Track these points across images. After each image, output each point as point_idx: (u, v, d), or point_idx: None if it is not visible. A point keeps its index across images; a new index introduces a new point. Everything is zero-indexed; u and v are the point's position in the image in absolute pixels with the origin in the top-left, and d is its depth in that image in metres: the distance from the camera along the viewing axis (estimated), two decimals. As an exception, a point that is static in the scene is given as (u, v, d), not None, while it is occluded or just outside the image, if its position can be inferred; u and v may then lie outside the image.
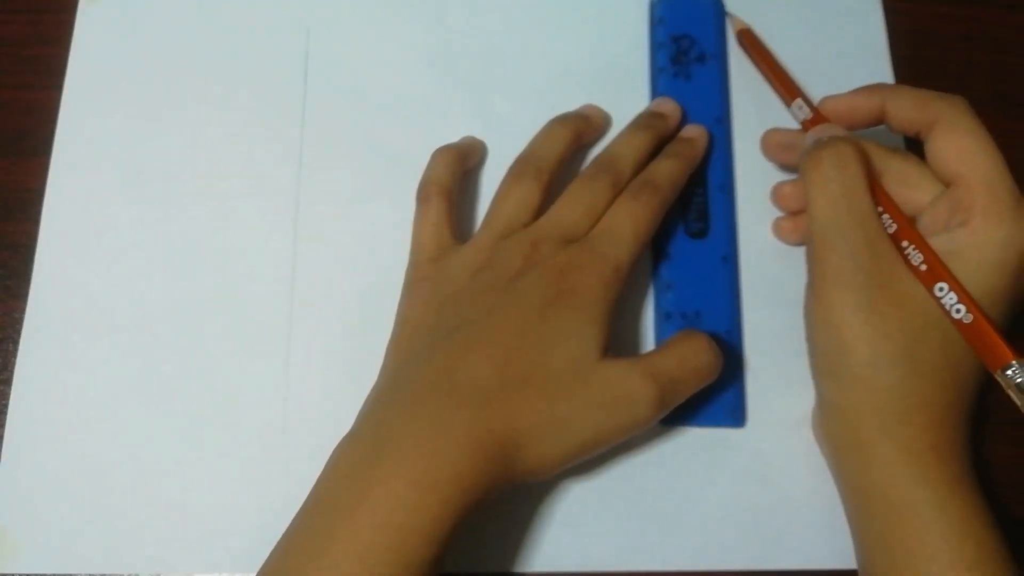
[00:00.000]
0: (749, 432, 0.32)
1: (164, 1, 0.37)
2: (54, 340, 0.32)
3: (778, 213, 0.35)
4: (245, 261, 0.34)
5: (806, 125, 0.33)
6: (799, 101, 0.34)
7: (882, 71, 0.38)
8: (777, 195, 0.35)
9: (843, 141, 0.30)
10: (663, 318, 0.33)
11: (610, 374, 0.28)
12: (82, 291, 0.33)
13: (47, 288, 0.33)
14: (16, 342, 0.32)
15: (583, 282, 0.29)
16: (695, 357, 0.30)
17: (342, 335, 0.33)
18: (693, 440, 0.32)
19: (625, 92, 0.37)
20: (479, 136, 0.36)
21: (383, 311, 0.33)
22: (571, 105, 0.36)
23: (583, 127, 0.35)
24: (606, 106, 0.36)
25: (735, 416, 0.32)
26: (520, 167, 0.33)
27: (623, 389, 0.28)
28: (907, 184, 0.30)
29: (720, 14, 0.38)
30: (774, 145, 0.35)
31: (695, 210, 0.35)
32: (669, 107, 0.35)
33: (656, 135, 0.34)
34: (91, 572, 0.30)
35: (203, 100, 0.36)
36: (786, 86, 0.35)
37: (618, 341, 0.33)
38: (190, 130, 0.35)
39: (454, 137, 0.35)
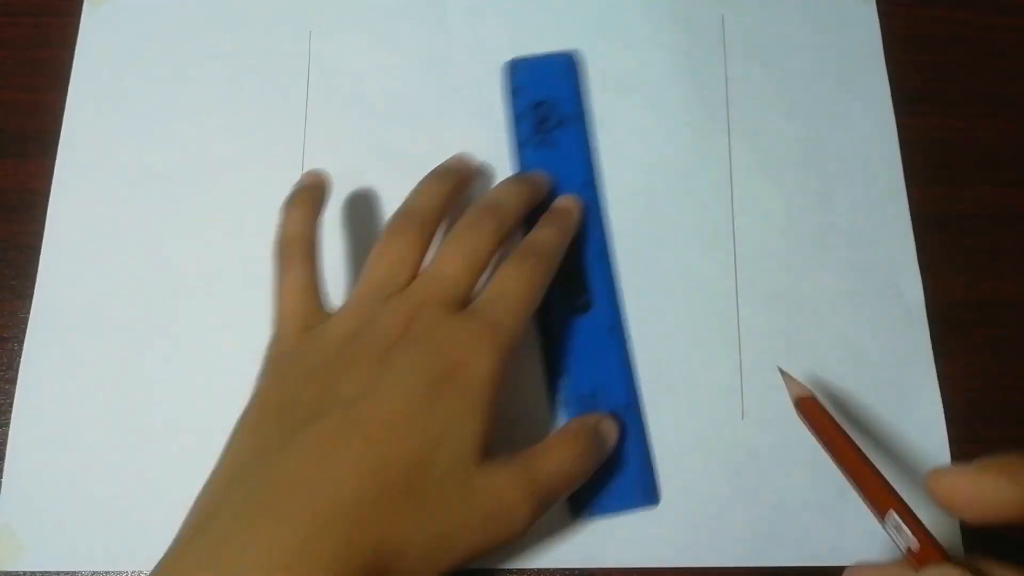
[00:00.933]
0: (746, 429, 0.33)
1: (167, 4, 0.37)
2: (59, 340, 0.33)
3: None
4: (248, 261, 0.34)
5: (912, 559, 0.23)
6: (893, 515, 0.24)
7: (877, 74, 0.38)
8: None
9: None
10: (561, 404, 0.32)
11: (491, 484, 0.25)
12: (86, 291, 0.33)
13: (52, 288, 0.33)
14: (21, 342, 0.33)
15: (473, 359, 0.26)
16: (576, 463, 0.27)
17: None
18: (691, 439, 0.32)
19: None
20: (480, 135, 0.36)
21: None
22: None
23: (463, 178, 0.32)
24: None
25: (647, 494, 0.31)
26: (397, 222, 0.29)
27: (503, 502, 0.25)
28: None
29: (574, 70, 0.36)
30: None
31: (576, 283, 0.33)
32: (541, 177, 0.34)
33: (535, 192, 0.32)
34: (95, 569, 0.30)
35: (206, 102, 0.36)
36: (871, 486, 0.25)
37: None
38: (193, 132, 0.36)
39: (455, 140, 0.36)
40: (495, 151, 0.36)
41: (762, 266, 0.35)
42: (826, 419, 0.27)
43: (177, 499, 0.31)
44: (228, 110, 0.36)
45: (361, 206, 0.35)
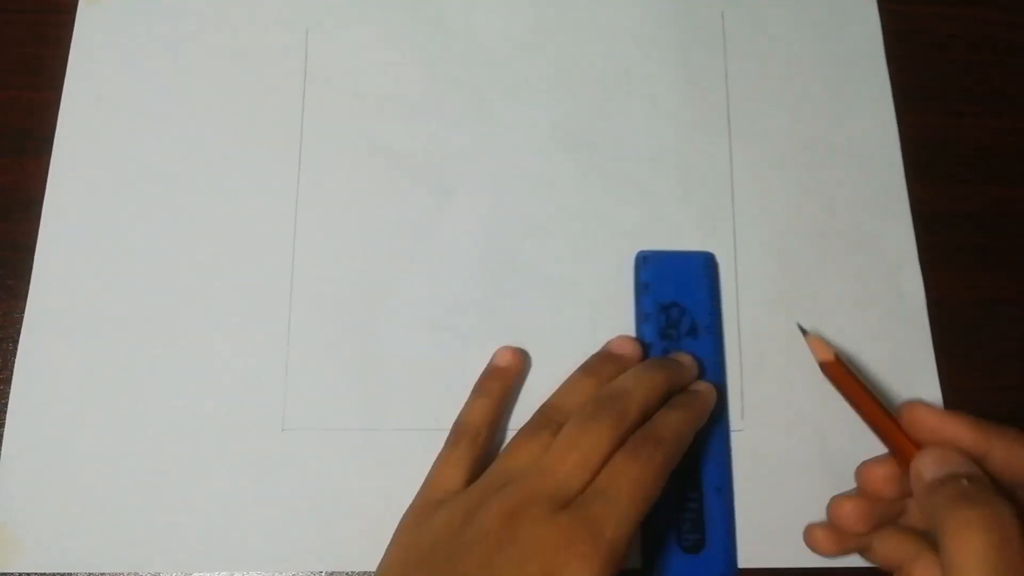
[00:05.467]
0: (748, 432, 0.33)
1: (163, 2, 0.37)
2: (54, 339, 0.33)
3: (784, 528, 0.31)
4: (244, 261, 0.34)
5: (900, 448, 0.28)
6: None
7: (878, 71, 0.38)
8: (880, 557, 0.29)
9: (999, 502, 0.24)
10: None
11: None
12: (82, 290, 0.33)
13: (47, 287, 0.33)
14: (16, 341, 0.32)
15: (569, 568, 0.25)
16: None
17: (341, 334, 0.33)
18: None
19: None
20: (478, 133, 0.36)
21: (382, 311, 0.33)
22: (573, 117, 0.36)
23: (611, 373, 0.31)
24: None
25: None
26: (540, 419, 0.30)
27: None
28: None
29: (714, 274, 0.34)
30: (881, 480, 0.29)
31: (689, 519, 0.30)
32: (687, 359, 0.32)
33: (671, 380, 0.30)
34: (92, 570, 0.30)
35: (202, 100, 0.36)
36: (895, 437, 0.28)
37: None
38: (189, 130, 0.35)
39: (453, 138, 0.35)
40: (495, 153, 0.36)
41: (763, 266, 0.35)
42: (851, 379, 0.29)
43: (173, 499, 0.31)
44: (224, 108, 0.36)
45: (357, 205, 0.35)
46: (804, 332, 0.31)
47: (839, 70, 0.38)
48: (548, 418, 0.29)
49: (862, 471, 0.29)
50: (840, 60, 0.38)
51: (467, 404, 0.32)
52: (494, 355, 0.33)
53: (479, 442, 0.30)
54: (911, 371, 0.34)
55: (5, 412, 0.32)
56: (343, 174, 0.35)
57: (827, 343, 0.30)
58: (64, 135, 0.35)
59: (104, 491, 0.31)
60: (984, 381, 0.34)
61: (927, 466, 0.26)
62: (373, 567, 0.28)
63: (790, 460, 0.32)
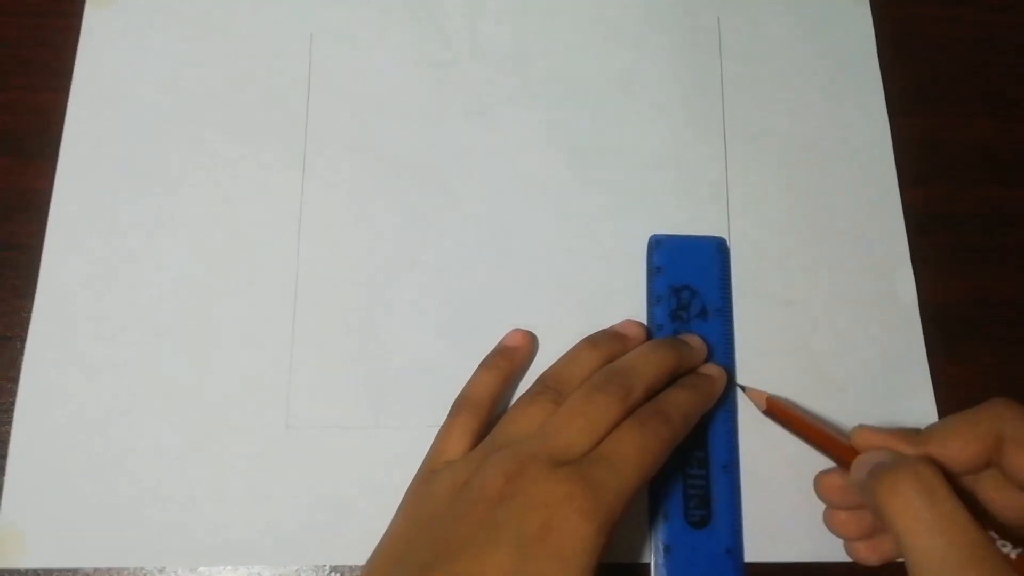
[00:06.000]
0: (741, 427, 0.33)
1: (169, 6, 0.38)
2: (60, 339, 0.33)
3: (789, 515, 0.32)
4: (249, 261, 0.34)
5: (847, 461, 0.29)
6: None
7: (871, 74, 0.38)
8: (832, 522, 0.31)
9: (916, 461, 0.26)
10: None
11: None
12: (88, 290, 0.34)
13: (53, 287, 0.34)
14: (23, 341, 0.33)
15: (565, 522, 0.25)
16: None
17: (345, 332, 0.33)
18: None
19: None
20: (479, 136, 0.36)
21: (384, 310, 0.33)
22: (571, 120, 0.37)
23: (615, 350, 0.31)
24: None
25: None
26: (541, 386, 0.30)
27: None
28: (1004, 488, 0.27)
29: (725, 259, 0.35)
30: (834, 489, 0.30)
31: (695, 496, 0.31)
32: (696, 342, 0.32)
33: (679, 360, 0.31)
34: (98, 566, 0.30)
35: (207, 104, 0.36)
36: (838, 449, 0.30)
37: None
38: (194, 133, 0.36)
39: (454, 141, 0.36)
40: (495, 155, 0.36)
41: (757, 267, 0.35)
42: (791, 414, 0.31)
43: (178, 495, 0.31)
44: (229, 112, 0.36)
45: (360, 206, 0.35)
46: (742, 388, 0.32)
47: (833, 72, 0.38)
48: (548, 386, 0.30)
49: (817, 481, 0.31)
50: (834, 63, 0.38)
51: (472, 378, 0.32)
52: (504, 336, 0.33)
53: (481, 415, 0.31)
54: (904, 370, 0.34)
55: (12, 410, 0.32)
56: (346, 176, 0.35)
57: (759, 391, 0.31)
58: (71, 137, 0.36)
59: (110, 487, 0.31)
60: (977, 380, 0.34)
61: (861, 463, 0.28)
62: (376, 562, 0.28)
63: (786, 458, 0.32)
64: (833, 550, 0.31)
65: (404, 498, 0.30)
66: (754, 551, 0.31)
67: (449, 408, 0.31)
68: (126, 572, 0.30)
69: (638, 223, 0.35)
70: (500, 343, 0.33)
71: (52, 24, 0.37)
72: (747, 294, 0.35)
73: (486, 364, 0.32)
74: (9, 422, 0.32)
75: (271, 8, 0.38)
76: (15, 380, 0.32)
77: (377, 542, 0.28)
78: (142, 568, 0.30)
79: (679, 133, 0.37)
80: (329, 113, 0.36)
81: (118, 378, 0.32)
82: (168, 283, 0.34)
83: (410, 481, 0.30)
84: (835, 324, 0.34)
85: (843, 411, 0.33)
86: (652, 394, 0.29)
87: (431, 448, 0.30)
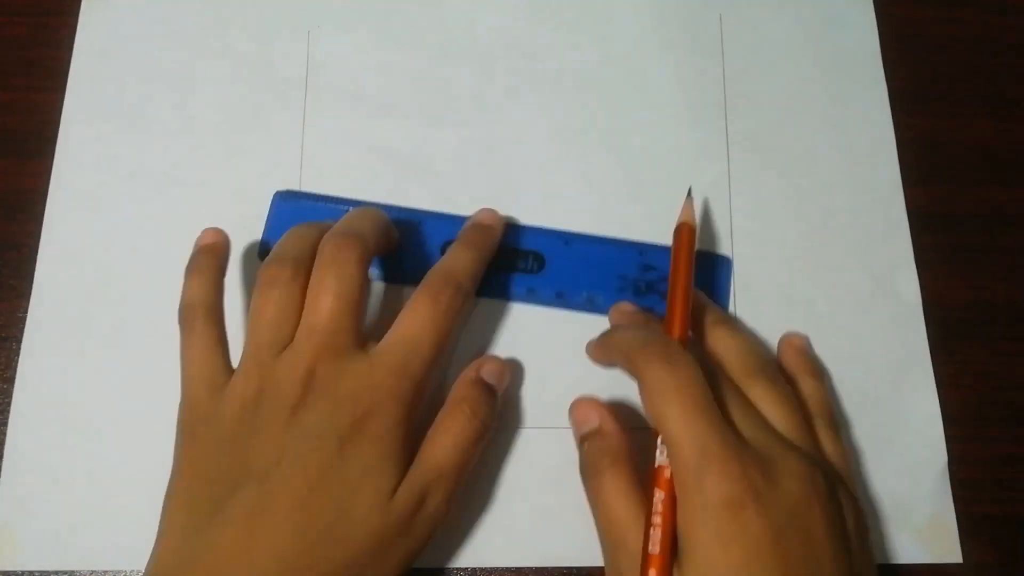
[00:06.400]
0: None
1: (165, 3, 0.38)
2: (56, 339, 0.33)
3: None
4: (246, 262, 0.34)
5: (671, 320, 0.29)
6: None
7: (874, 73, 0.38)
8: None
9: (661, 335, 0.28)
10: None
11: (407, 500, 0.26)
12: (84, 290, 0.33)
13: (49, 287, 0.33)
14: (19, 341, 0.33)
15: (378, 412, 0.26)
16: (469, 427, 0.28)
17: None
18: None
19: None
20: (479, 134, 0.36)
21: (383, 309, 0.33)
22: (571, 119, 0.37)
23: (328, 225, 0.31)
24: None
25: None
26: (269, 270, 0.28)
27: (420, 508, 0.26)
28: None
29: (728, 277, 0.35)
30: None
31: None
32: (493, 218, 0.33)
33: (484, 251, 0.32)
34: (93, 568, 0.30)
35: (204, 102, 0.36)
36: (676, 311, 0.29)
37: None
38: (191, 131, 0.36)
39: (453, 138, 0.36)
40: (496, 152, 0.36)
41: (759, 265, 0.35)
42: (687, 252, 0.30)
43: (175, 498, 0.31)
44: (226, 109, 0.36)
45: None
46: (688, 194, 0.32)
47: (836, 72, 0.38)
48: (280, 265, 0.28)
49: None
50: (837, 62, 0.38)
51: (184, 287, 0.30)
52: (200, 235, 0.32)
53: (214, 319, 0.29)
54: (907, 370, 0.34)
55: (8, 411, 0.32)
56: (344, 174, 0.35)
57: (693, 213, 0.31)
58: (67, 136, 0.35)
59: (105, 489, 0.31)
60: (980, 381, 0.34)
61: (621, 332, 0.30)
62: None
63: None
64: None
65: (180, 432, 0.28)
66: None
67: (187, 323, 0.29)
68: (122, 574, 0.30)
69: (638, 223, 0.35)
70: (195, 245, 0.31)
71: (48, 22, 0.37)
72: (749, 293, 0.35)
73: (192, 269, 0.30)
74: (5, 423, 0.32)
75: (268, 5, 0.38)
76: (11, 380, 0.32)
77: (165, 488, 0.27)
78: (137, 571, 0.30)
79: (680, 132, 0.37)
80: (327, 111, 0.36)
81: (115, 379, 0.32)
82: (165, 284, 0.33)
83: (177, 417, 0.28)
84: (837, 324, 0.34)
85: (845, 412, 0.33)
86: (383, 248, 0.30)
87: (186, 375, 0.28)
